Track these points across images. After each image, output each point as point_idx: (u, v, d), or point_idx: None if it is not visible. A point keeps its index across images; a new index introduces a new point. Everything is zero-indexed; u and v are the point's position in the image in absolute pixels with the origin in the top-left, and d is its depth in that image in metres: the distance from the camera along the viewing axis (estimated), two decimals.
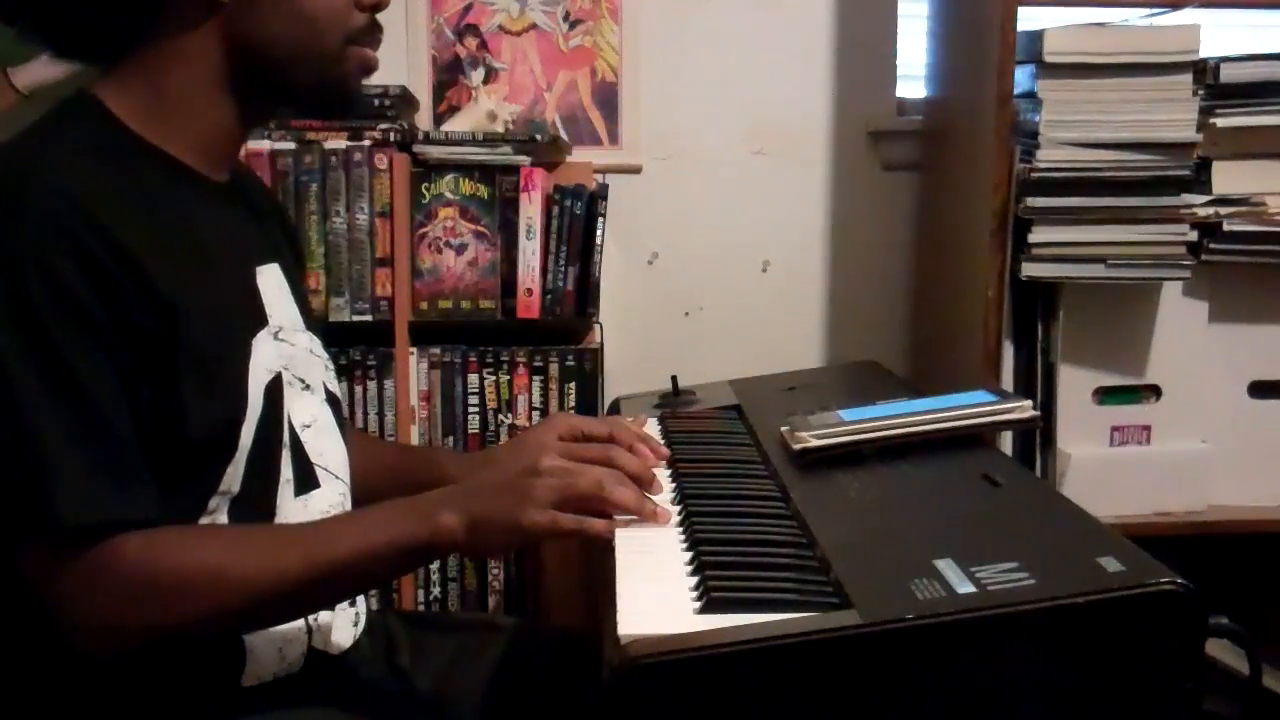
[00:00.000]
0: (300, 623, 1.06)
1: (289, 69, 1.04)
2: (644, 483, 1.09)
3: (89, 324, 0.90)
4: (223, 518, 1.01)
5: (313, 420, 1.10)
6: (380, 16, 1.09)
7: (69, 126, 1.00)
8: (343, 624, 1.12)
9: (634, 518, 1.04)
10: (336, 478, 1.13)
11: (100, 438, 0.90)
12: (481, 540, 0.98)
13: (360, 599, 1.17)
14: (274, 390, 1.05)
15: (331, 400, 1.15)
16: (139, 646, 0.94)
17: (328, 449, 1.12)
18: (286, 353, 1.08)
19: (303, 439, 1.09)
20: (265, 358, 1.05)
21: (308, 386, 1.11)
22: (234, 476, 1.00)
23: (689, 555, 0.99)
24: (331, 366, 1.19)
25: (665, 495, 1.14)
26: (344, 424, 1.17)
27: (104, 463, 0.90)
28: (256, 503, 1.03)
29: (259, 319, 1.07)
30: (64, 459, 0.88)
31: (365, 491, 1.18)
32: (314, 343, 1.15)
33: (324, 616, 1.09)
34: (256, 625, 1.01)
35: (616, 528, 1.03)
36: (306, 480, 1.08)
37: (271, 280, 1.11)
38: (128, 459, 0.92)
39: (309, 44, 1.04)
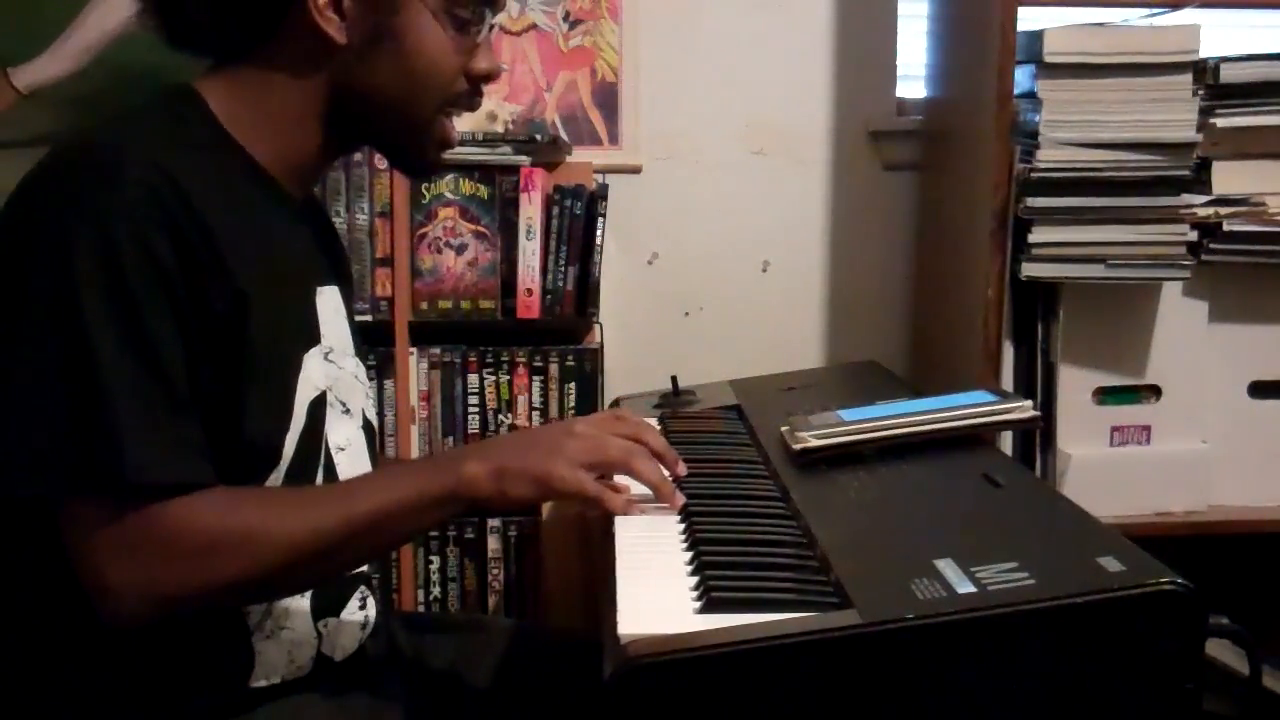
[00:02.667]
0: (311, 629, 1.07)
1: (381, 119, 1.06)
2: (668, 462, 1.12)
3: (172, 297, 0.92)
4: None
5: (348, 444, 1.11)
6: None
7: (167, 114, 1.01)
8: (351, 629, 1.12)
9: (649, 504, 1.07)
10: None
11: (171, 405, 0.91)
12: (506, 488, 1.00)
13: (370, 603, 1.17)
14: (317, 408, 1.06)
15: (367, 427, 1.16)
16: (174, 610, 0.94)
17: (357, 474, 1.12)
18: (333, 374, 1.09)
19: (336, 460, 1.09)
20: (314, 375, 1.06)
21: (347, 410, 1.12)
22: (274, 485, 1.01)
23: (689, 555, 0.99)
24: (372, 395, 1.20)
25: None
26: (375, 452, 1.18)
27: (171, 429, 0.91)
28: None
29: (313, 336, 1.08)
30: (135, 420, 0.89)
31: None
32: (359, 369, 1.17)
33: (333, 623, 1.10)
34: (294, 585, 1.02)
35: (629, 513, 1.06)
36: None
37: (329, 302, 1.12)
38: (192, 428, 0.93)
39: (408, 103, 1.05)
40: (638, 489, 1.10)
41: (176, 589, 0.93)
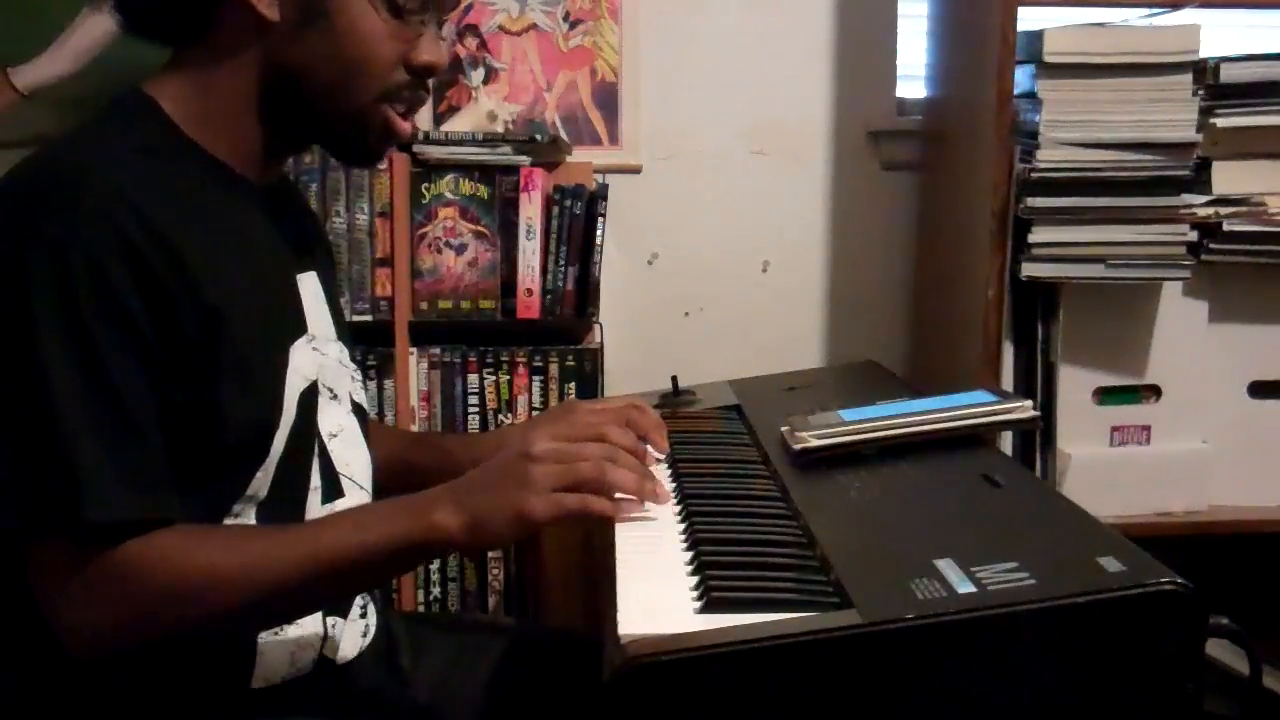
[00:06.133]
0: (318, 629, 1.07)
1: (316, 106, 1.04)
2: (638, 455, 1.09)
3: (130, 326, 0.90)
4: (249, 521, 1.01)
5: (340, 430, 1.11)
6: None
7: (123, 124, 1.00)
8: (352, 635, 1.12)
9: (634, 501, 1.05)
10: (360, 487, 1.13)
11: (130, 441, 0.90)
12: (483, 535, 0.96)
13: (371, 611, 1.17)
14: (308, 399, 1.05)
15: (358, 411, 1.16)
16: (134, 650, 0.94)
17: (353, 459, 1.12)
18: (320, 361, 1.09)
19: (330, 448, 1.09)
20: (302, 366, 1.05)
21: (335, 396, 1.11)
22: (263, 482, 1.01)
23: (689, 555, 0.99)
24: (358, 377, 1.19)
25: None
26: (368, 434, 1.17)
27: (132, 466, 0.90)
28: (283, 509, 1.03)
29: (299, 327, 1.07)
30: (94, 458, 0.88)
31: (381, 483, 1.18)
32: (343, 353, 1.16)
33: (340, 624, 1.10)
34: (255, 627, 1.01)
35: (618, 519, 1.03)
36: (332, 489, 1.09)
37: (310, 289, 1.11)
38: (154, 465, 0.92)
39: (342, 87, 1.03)
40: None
41: (133, 631, 0.92)
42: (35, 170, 0.95)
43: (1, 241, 0.90)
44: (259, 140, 1.05)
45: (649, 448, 1.20)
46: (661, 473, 1.18)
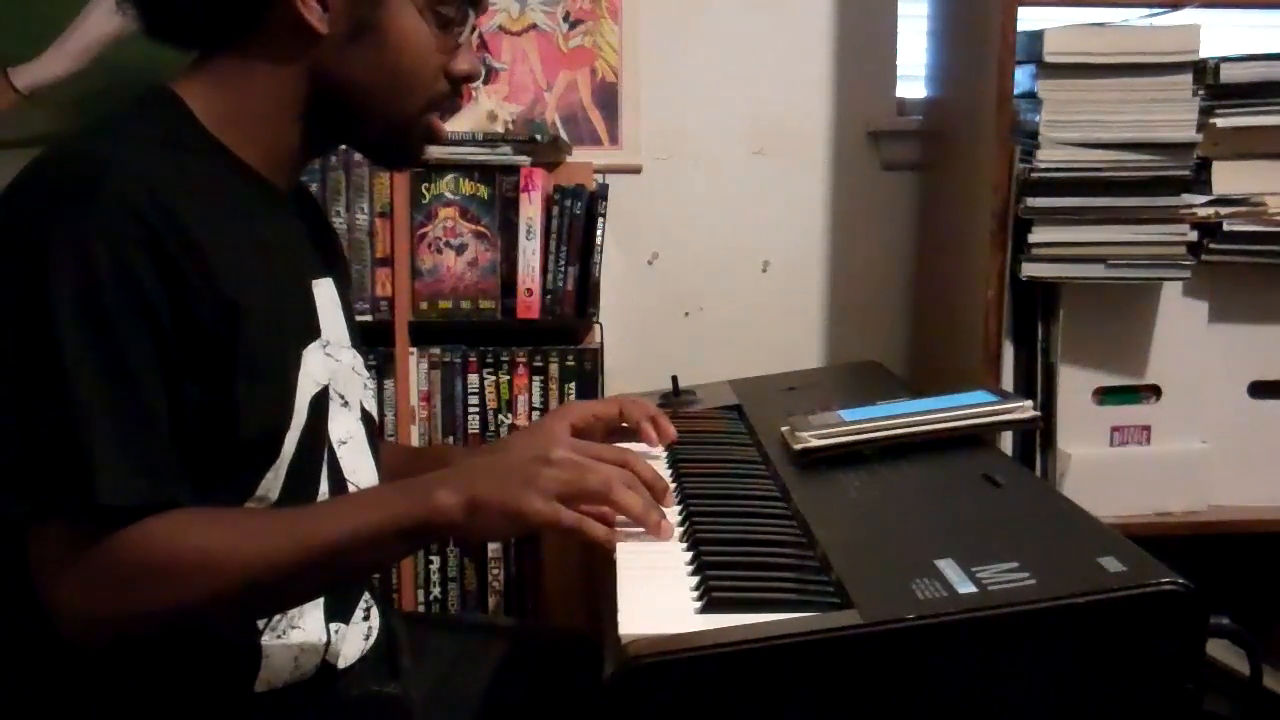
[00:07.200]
0: (322, 634, 1.06)
1: (362, 115, 1.05)
2: (657, 491, 1.06)
3: (150, 314, 0.90)
4: None
5: (349, 437, 1.11)
6: None
7: (148, 119, 1.00)
8: (355, 638, 1.12)
9: (636, 530, 1.01)
10: None
11: (144, 427, 0.90)
12: (479, 522, 0.95)
13: (374, 613, 1.17)
14: (319, 403, 1.05)
15: (366, 419, 1.15)
16: (132, 636, 0.94)
17: (360, 467, 1.12)
18: (332, 367, 1.09)
19: (339, 454, 1.09)
20: (314, 370, 1.05)
21: (346, 403, 1.11)
22: (273, 484, 1.00)
23: (690, 555, 0.99)
24: (371, 386, 1.19)
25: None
26: (376, 444, 1.17)
27: (144, 451, 0.90)
28: None
29: (312, 330, 1.07)
30: (107, 442, 0.88)
31: None
32: (356, 360, 1.16)
33: (342, 628, 1.09)
34: (254, 611, 1.00)
35: (616, 541, 1.00)
36: (339, 495, 1.08)
37: (326, 294, 1.11)
38: (165, 451, 0.91)
39: (388, 99, 1.04)
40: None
41: (124, 613, 0.91)
42: (57, 159, 0.95)
43: (23, 229, 0.90)
44: (289, 144, 1.05)
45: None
46: (662, 472, 1.18)
